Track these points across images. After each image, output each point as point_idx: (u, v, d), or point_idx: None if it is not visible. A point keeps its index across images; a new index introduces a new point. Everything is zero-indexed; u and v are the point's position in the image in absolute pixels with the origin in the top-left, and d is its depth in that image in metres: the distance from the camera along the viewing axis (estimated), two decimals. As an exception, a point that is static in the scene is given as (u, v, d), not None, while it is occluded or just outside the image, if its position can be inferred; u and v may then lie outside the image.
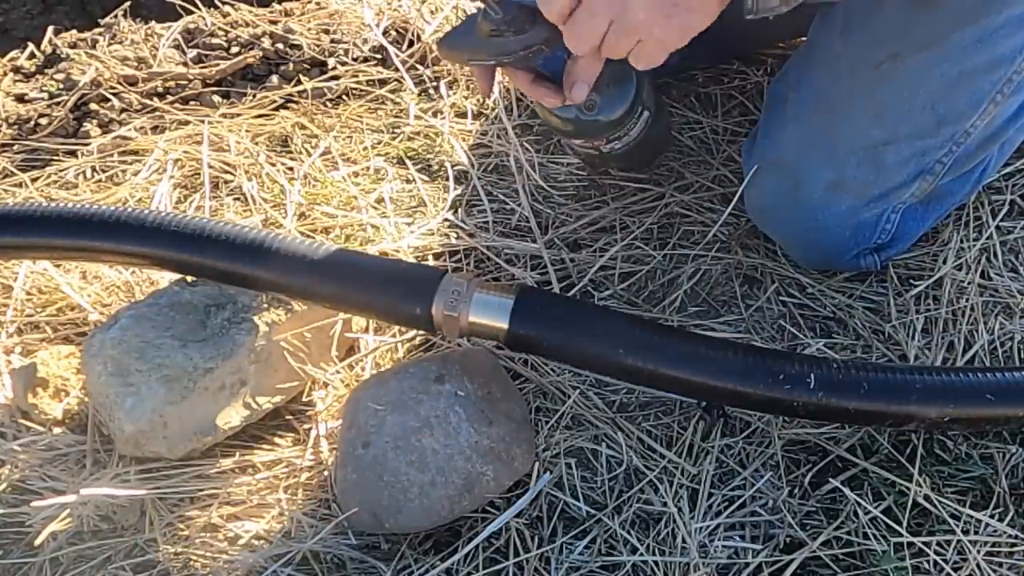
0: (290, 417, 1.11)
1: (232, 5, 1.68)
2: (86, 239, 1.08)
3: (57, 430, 1.09)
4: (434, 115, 1.47)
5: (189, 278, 1.10)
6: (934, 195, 1.14)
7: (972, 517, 0.99)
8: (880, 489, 1.02)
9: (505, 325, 0.98)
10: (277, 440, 1.10)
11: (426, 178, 1.38)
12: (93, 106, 1.53)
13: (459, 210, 1.31)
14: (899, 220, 1.14)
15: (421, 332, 1.16)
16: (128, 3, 1.72)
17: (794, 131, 1.11)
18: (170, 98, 1.54)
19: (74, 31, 1.70)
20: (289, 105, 1.52)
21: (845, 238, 1.14)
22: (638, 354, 0.96)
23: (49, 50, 1.64)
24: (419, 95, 1.51)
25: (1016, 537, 0.98)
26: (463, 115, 1.47)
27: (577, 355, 1.01)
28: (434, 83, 1.53)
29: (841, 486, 1.01)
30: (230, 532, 1.01)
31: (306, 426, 1.10)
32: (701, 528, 0.99)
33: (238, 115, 1.49)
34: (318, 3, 1.71)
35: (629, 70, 0.99)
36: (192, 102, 1.54)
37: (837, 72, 1.07)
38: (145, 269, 1.24)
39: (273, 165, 1.40)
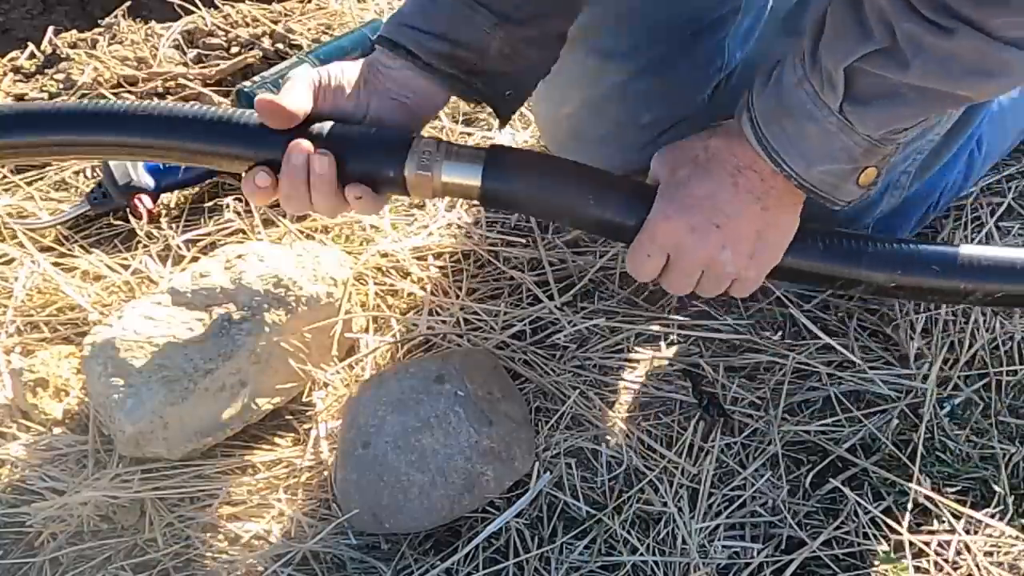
0: (290, 417, 1.11)
1: (232, 5, 1.68)
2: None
3: (57, 430, 1.09)
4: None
5: (189, 280, 1.10)
6: (900, 207, 1.13)
7: (972, 517, 0.99)
8: (880, 489, 1.02)
9: (478, 182, 0.95)
10: (277, 440, 1.10)
11: (426, 178, 1.38)
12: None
13: (458, 211, 1.31)
14: (872, 229, 1.12)
15: (422, 333, 1.16)
16: (128, 3, 1.72)
17: None
18: (170, 98, 1.54)
19: (74, 31, 1.70)
20: (289, 105, 1.52)
21: None
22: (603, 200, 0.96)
23: (49, 50, 1.64)
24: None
25: (1016, 537, 0.98)
26: (463, 117, 1.47)
27: (549, 205, 0.99)
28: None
29: (841, 486, 1.01)
30: (230, 532, 1.01)
31: (306, 426, 1.10)
32: (701, 528, 0.99)
33: (238, 115, 1.49)
34: (318, 3, 1.71)
35: None
36: (192, 102, 1.54)
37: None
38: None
39: (273, 165, 1.39)
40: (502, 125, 1.07)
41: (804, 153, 0.89)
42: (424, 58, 0.98)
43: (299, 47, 1.58)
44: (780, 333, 1.15)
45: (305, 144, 0.90)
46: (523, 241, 1.25)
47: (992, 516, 0.99)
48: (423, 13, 0.99)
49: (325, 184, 0.90)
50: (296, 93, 0.93)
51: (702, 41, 1.18)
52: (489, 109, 1.05)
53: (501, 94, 1.04)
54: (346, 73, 0.97)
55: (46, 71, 1.61)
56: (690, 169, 0.94)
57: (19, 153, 1.02)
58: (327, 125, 0.92)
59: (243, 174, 0.93)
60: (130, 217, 1.33)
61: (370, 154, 0.93)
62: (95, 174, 1.42)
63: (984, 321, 1.14)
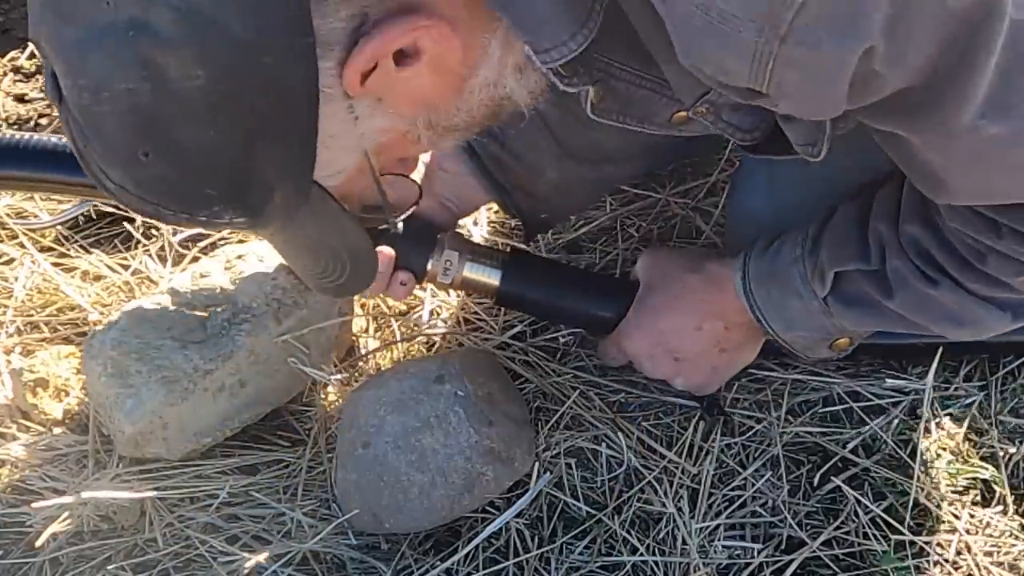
0: (290, 417, 1.11)
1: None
2: None
3: (57, 430, 1.09)
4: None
5: (190, 280, 1.10)
6: None
7: (973, 516, 0.99)
8: (881, 489, 1.02)
9: (496, 283, 1.05)
10: (277, 440, 1.10)
11: (426, 178, 1.38)
12: (93, 106, 1.52)
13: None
14: None
15: (422, 333, 1.16)
16: (128, 3, 1.72)
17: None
18: (170, 98, 1.53)
19: (74, 31, 1.69)
20: (289, 105, 1.51)
21: None
22: None
23: (49, 50, 1.64)
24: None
25: (1016, 537, 0.98)
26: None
27: (552, 310, 1.11)
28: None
29: (843, 484, 1.01)
30: (230, 532, 1.01)
31: (306, 426, 1.10)
32: (701, 528, 0.99)
33: (238, 115, 1.49)
34: (318, 3, 1.70)
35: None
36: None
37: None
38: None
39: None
40: (526, 242, 1.16)
41: (785, 319, 0.97)
42: (483, 157, 1.04)
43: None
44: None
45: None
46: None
47: (992, 516, 0.99)
48: None
49: (384, 278, 1.01)
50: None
51: None
52: (517, 221, 1.13)
53: (537, 216, 1.12)
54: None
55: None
56: (662, 299, 1.03)
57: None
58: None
59: None
60: (131, 216, 1.32)
61: (404, 251, 1.02)
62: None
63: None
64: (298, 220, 0.74)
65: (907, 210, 0.86)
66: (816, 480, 1.03)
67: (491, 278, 1.04)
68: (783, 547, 0.99)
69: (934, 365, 1.09)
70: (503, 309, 1.17)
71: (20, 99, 1.57)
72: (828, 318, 0.94)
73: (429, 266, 1.03)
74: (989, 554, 0.97)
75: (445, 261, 1.03)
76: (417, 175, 1.00)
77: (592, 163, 1.07)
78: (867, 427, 1.06)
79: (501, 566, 0.97)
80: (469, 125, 0.79)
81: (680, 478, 1.02)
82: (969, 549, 0.96)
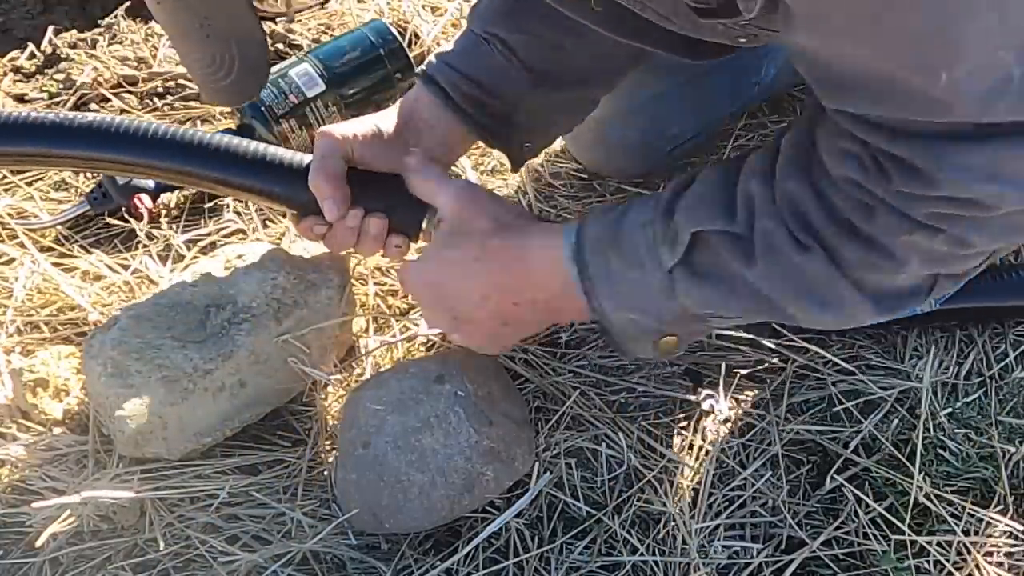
0: (290, 417, 1.11)
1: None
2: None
3: (57, 430, 1.09)
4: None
5: (189, 278, 1.10)
6: None
7: (973, 516, 0.99)
8: (881, 488, 1.02)
9: None
10: (277, 440, 1.10)
11: (426, 178, 1.38)
12: (93, 106, 1.53)
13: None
14: None
15: (422, 332, 1.16)
16: (128, 3, 1.72)
17: None
18: (170, 98, 1.54)
19: (74, 31, 1.69)
20: (289, 105, 1.52)
21: None
22: None
23: (49, 50, 1.64)
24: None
25: (1017, 537, 0.98)
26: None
27: None
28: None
29: (844, 483, 1.01)
30: (230, 532, 1.01)
31: (306, 426, 1.10)
32: (701, 528, 0.99)
33: (238, 115, 1.49)
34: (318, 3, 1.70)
35: None
36: (192, 102, 1.54)
37: None
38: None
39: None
40: (514, 171, 1.12)
41: (617, 295, 0.86)
42: (457, 100, 1.02)
43: (299, 47, 1.58)
44: (777, 336, 1.14)
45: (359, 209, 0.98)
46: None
47: (992, 516, 0.99)
48: (466, 56, 1.03)
49: (373, 240, 1.00)
50: (332, 169, 0.98)
51: (743, 55, 1.18)
52: (500, 154, 1.10)
53: (519, 146, 1.09)
54: (381, 124, 1.02)
55: (46, 71, 1.61)
56: (455, 255, 0.94)
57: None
58: (369, 179, 1.01)
59: (293, 215, 1.04)
60: (131, 217, 1.32)
61: (397, 213, 1.01)
62: (95, 174, 1.42)
63: (983, 322, 1.14)
64: None
65: (787, 165, 0.77)
66: (816, 480, 1.03)
67: None
68: (783, 547, 0.99)
69: (932, 364, 1.09)
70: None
71: (20, 99, 1.57)
72: (668, 298, 0.83)
73: (424, 225, 1.01)
74: (989, 554, 0.97)
75: (438, 219, 0.99)
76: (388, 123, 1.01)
77: (567, 85, 1.05)
78: (866, 426, 1.06)
79: (501, 566, 0.97)
80: None
81: (680, 478, 1.02)
82: (969, 550, 0.96)
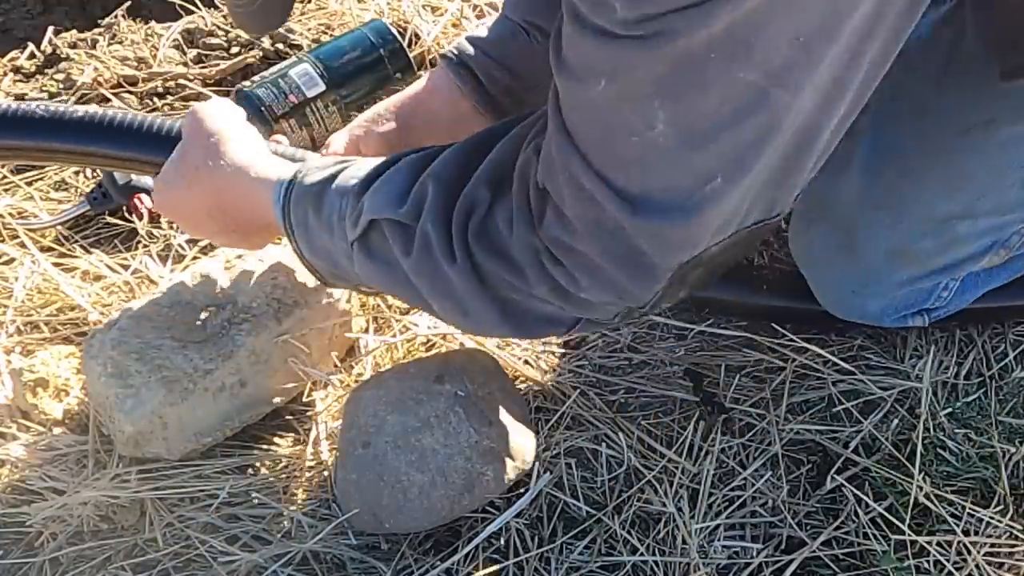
0: (290, 417, 1.11)
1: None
2: None
3: (57, 430, 1.09)
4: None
5: (189, 278, 1.10)
6: (1004, 264, 1.05)
7: (973, 516, 0.99)
8: (881, 488, 1.02)
9: None
10: (277, 440, 1.10)
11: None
12: (93, 106, 1.53)
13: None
14: (958, 286, 1.05)
15: (422, 332, 1.16)
16: (128, 3, 1.72)
17: (858, 184, 0.98)
18: (170, 98, 1.54)
19: (74, 31, 1.69)
20: (289, 105, 1.52)
21: (894, 304, 1.05)
22: None
23: (49, 50, 1.64)
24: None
25: (1016, 537, 0.98)
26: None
27: None
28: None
29: (845, 483, 1.01)
30: (230, 532, 1.01)
31: (306, 426, 1.10)
32: (701, 528, 0.99)
33: (238, 115, 1.49)
34: (318, 3, 1.70)
35: None
36: (192, 102, 1.54)
37: (922, 128, 0.95)
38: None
39: (273, 165, 1.39)
40: None
41: (311, 245, 0.91)
42: (488, 87, 1.03)
43: (299, 47, 1.58)
44: (777, 336, 1.14)
45: None
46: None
47: (992, 516, 0.99)
48: (501, 44, 1.03)
49: None
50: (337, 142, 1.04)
51: None
52: None
53: None
54: (404, 105, 1.05)
55: (46, 71, 1.61)
56: (180, 179, 0.97)
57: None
58: None
59: None
60: (131, 217, 1.32)
61: None
62: (95, 174, 1.42)
63: (984, 320, 1.14)
64: None
65: (482, 172, 0.80)
66: (816, 480, 1.03)
67: None
68: (783, 547, 0.99)
69: (932, 364, 1.09)
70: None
71: (20, 99, 1.57)
72: (349, 264, 0.88)
73: None
74: (989, 554, 0.97)
75: None
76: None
77: None
78: (866, 426, 1.06)
79: (501, 566, 0.97)
80: None
81: (680, 478, 1.02)
82: (969, 550, 0.96)
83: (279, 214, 0.91)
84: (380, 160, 0.88)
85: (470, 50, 1.03)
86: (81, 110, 1.09)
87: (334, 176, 0.88)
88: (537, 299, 0.80)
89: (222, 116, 0.97)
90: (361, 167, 0.88)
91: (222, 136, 0.95)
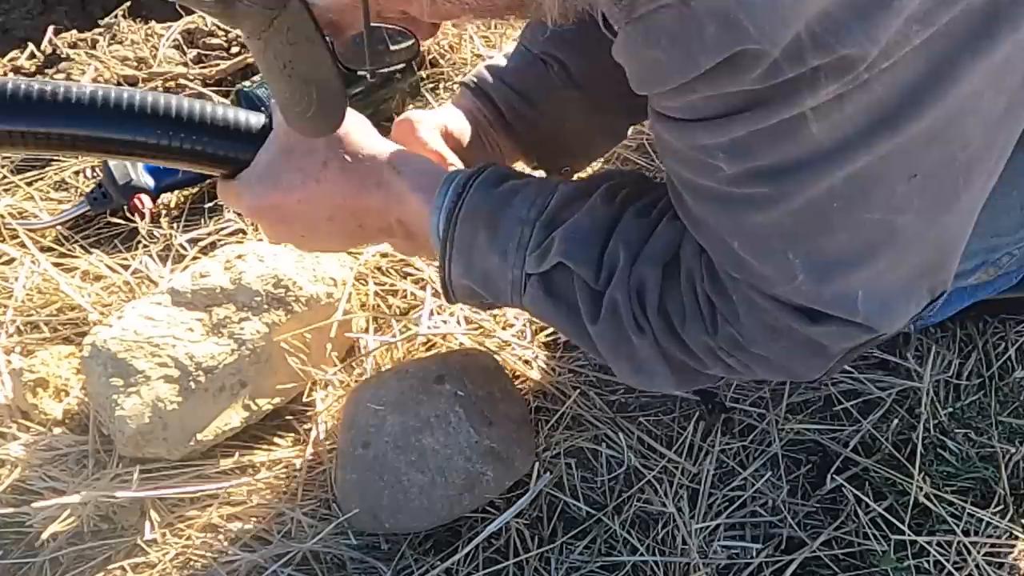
0: (290, 417, 1.11)
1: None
2: None
3: (57, 430, 1.09)
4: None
5: (189, 280, 1.10)
6: (991, 281, 1.05)
7: (973, 516, 0.99)
8: (881, 488, 1.02)
9: None
10: (277, 440, 1.10)
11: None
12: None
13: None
14: (945, 298, 1.07)
15: (422, 333, 1.16)
16: (128, 3, 1.72)
17: None
18: (170, 98, 1.54)
19: (74, 31, 1.69)
20: (289, 105, 1.51)
21: None
22: None
23: (49, 50, 1.64)
24: (414, 95, 1.51)
25: (1016, 537, 0.98)
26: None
27: None
28: (432, 84, 1.53)
29: (845, 483, 1.01)
30: (230, 532, 1.01)
31: (306, 426, 1.10)
32: (701, 528, 0.99)
33: (238, 115, 1.49)
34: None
35: None
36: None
37: None
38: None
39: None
40: None
41: (470, 267, 0.86)
42: (509, 118, 1.03)
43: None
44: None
45: None
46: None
47: (992, 516, 0.99)
48: (519, 74, 1.03)
49: None
50: (437, 142, 0.96)
51: None
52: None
53: (560, 167, 1.10)
54: (463, 128, 1.01)
55: (46, 71, 1.61)
56: (299, 176, 0.87)
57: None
58: None
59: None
60: (131, 216, 1.32)
61: None
62: (95, 174, 1.42)
63: (983, 322, 1.14)
64: (273, 29, 0.68)
65: (652, 250, 0.82)
66: (816, 480, 1.03)
67: None
68: (783, 547, 0.99)
69: (932, 364, 1.09)
70: (503, 308, 1.17)
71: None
72: (512, 292, 0.86)
73: None
74: (989, 554, 0.97)
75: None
76: (466, 126, 1.00)
77: (613, 109, 1.04)
78: (866, 426, 1.06)
79: (501, 566, 0.97)
80: (481, 5, 0.73)
81: (680, 478, 1.02)
82: (969, 550, 0.96)
83: (440, 227, 0.85)
84: (555, 184, 0.86)
85: (489, 78, 1.04)
86: (138, 95, 0.87)
87: (509, 198, 0.85)
88: (707, 375, 0.85)
89: None
90: (537, 191, 0.85)
91: (347, 129, 0.88)
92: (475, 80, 1.04)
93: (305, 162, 0.87)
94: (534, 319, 0.89)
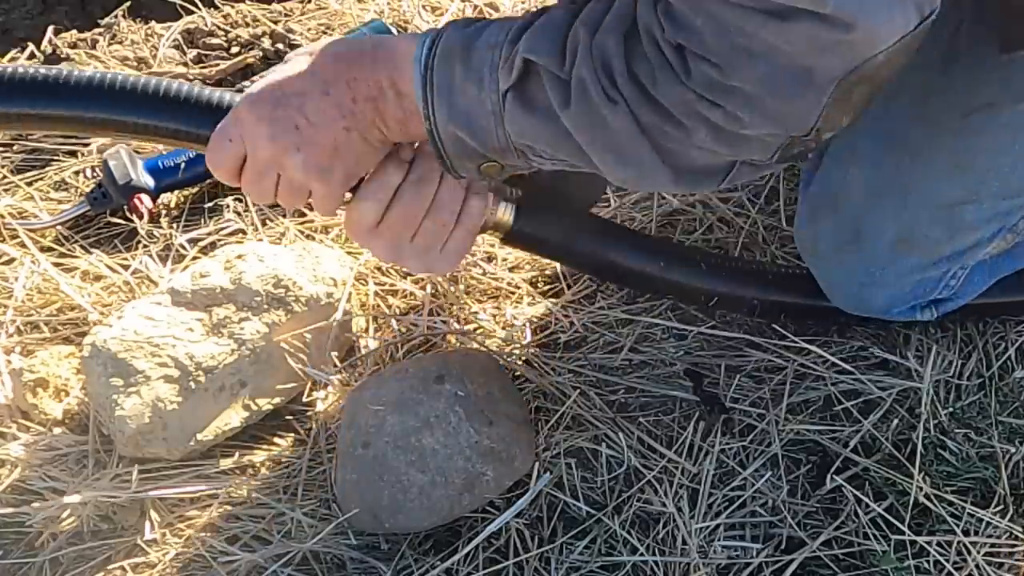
0: (290, 417, 1.11)
1: (232, 5, 1.68)
2: None
3: (57, 430, 1.09)
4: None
5: (189, 280, 1.10)
6: (1011, 250, 1.05)
7: (973, 516, 0.99)
8: (881, 488, 1.02)
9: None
10: (277, 440, 1.10)
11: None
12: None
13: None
14: (966, 275, 1.05)
15: (422, 333, 1.16)
16: (128, 3, 1.72)
17: (861, 173, 0.99)
18: (170, 98, 1.54)
19: (74, 31, 1.69)
20: (289, 105, 1.51)
21: (902, 294, 1.04)
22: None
23: (49, 50, 1.64)
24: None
25: (1016, 537, 0.98)
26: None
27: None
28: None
29: (844, 484, 1.01)
30: (230, 532, 1.01)
31: (306, 426, 1.10)
32: (701, 528, 0.99)
33: (238, 115, 1.49)
34: (318, 3, 1.71)
35: None
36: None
37: (924, 112, 0.95)
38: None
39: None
40: None
41: (453, 107, 0.85)
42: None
43: (299, 47, 1.58)
44: (780, 338, 1.14)
45: None
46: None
47: (992, 516, 0.99)
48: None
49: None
50: None
51: None
52: None
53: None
54: None
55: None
56: (291, 64, 0.89)
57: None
58: None
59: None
60: (131, 216, 1.32)
61: None
62: (95, 174, 1.42)
63: (983, 323, 1.14)
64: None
65: (612, 18, 0.79)
66: (816, 480, 1.03)
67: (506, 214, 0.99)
68: (783, 547, 0.99)
69: (932, 364, 1.09)
70: (503, 308, 1.17)
71: (20, 99, 1.57)
72: (495, 123, 0.84)
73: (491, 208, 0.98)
74: (989, 554, 0.97)
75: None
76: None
77: None
78: (866, 426, 1.06)
79: (501, 566, 0.97)
80: None
81: (680, 478, 1.02)
82: (969, 550, 0.96)
83: (419, 73, 0.85)
84: (524, 17, 0.84)
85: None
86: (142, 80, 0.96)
87: (479, 31, 0.84)
88: (695, 147, 0.78)
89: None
90: (507, 20, 0.84)
91: (321, 57, 0.89)
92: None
93: (299, 53, 0.90)
94: (521, 147, 0.85)
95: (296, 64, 0.89)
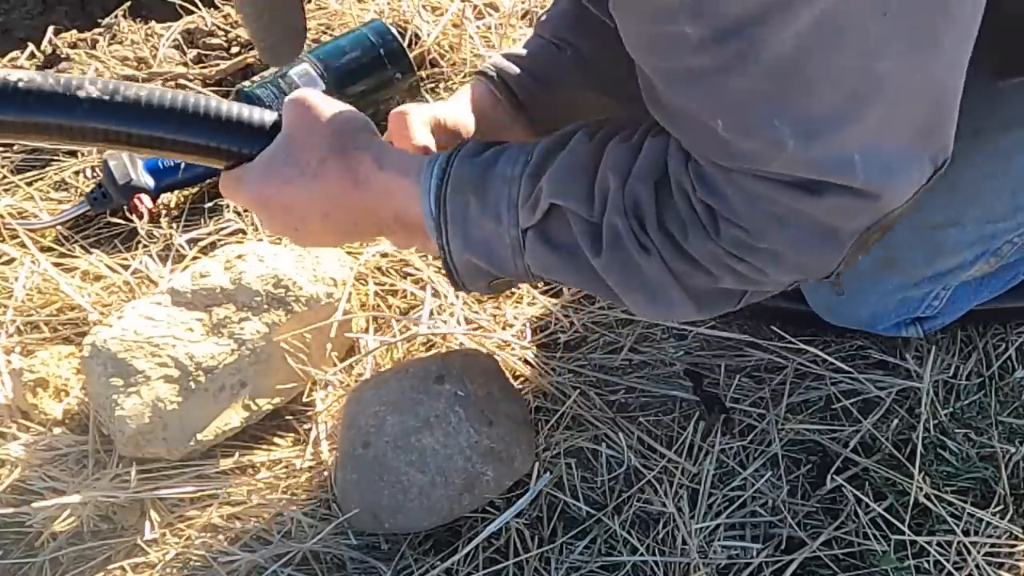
0: (290, 417, 1.11)
1: (232, 5, 1.68)
2: None
3: (57, 430, 1.09)
4: (434, 115, 1.47)
5: (189, 280, 1.10)
6: (995, 272, 1.06)
7: (973, 517, 0.99)
8: (881, 488, 1.02)
9: None
10: (277, 440, 1.10)
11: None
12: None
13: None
14: (949, 295, 1.06)
15: (422, 333, 1.16)
16: (128, 3, 1.72)
17: None
18: (170, 98, 1.54)
19: (74, 31, 1.69)
20: (289, 105, 1.51)
21: (885, 311, 1.06)
22: None
23: (49, 50, 1.64)
24: (414, 95, 1.51)
25: (1016, 537, 0.98)
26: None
27: None
28: (432, 84, 1.53)
29: (844, 484, 1.01)
30: (230, 532, 1.01)
31: (306, 426, 1.10)
32: (701, 528, 0.99)
33: (238, 115, 1.49)
34: (318, 3, 1.70)
35: None
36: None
37: None
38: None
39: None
40: None
41: (468, 239, 0.85)
42: (527, 103, 1.01)
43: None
44: (780, 339, 1.14)
45: None
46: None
47: (992, 516, 0.99)
48: (534, 58, 1.03)
49: None
50: (422, 134, 0.95)
51: None
52: None
53: None
54: (461, 119, 1.00)
55: (46, 71, 1.61)
56: (298, 169, 0.87)
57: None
58: None
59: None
60: (131, 216, 1.32)
61: None
62: (95, 174, 1.42)
63: (983, 322, 1.14)
64: None
65: (642, 165, 0.80)
66: (816, 480, 1.03)
67: None
68: (783, 547, 0.99)
69: (932, 364, 1.09)
70: (503, 308, 1.17)
71: (20, 99, 1.57)
72: (513, 255, 0.85)
73: None
74: (989, 554, 0.97)
75: None
76: (467, 119, 1.00)
77: (623, 97, 0.98)
78: (866, 426, 1.06)
79: (501, 566, 0.97)
80: None
81: (680, 478, 1.02)
82: (969, 550, 0.96)
83: (430, 206, 0.85)
84: (539, 142, 0.85)
85: (505, 64, 1.04)
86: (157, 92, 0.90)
87: (492, 161, 0.85)
88: (720, 287, 0.82)
89: (331, 105, 0.91)
90: (518, 150, 0.85)
91: (346, 127, 0.89)
92: (492, 68, 1.03)
93: (304, 156, 0.87)
94: (541, 276, 0.86)
95: (296, 168, 0.87)
